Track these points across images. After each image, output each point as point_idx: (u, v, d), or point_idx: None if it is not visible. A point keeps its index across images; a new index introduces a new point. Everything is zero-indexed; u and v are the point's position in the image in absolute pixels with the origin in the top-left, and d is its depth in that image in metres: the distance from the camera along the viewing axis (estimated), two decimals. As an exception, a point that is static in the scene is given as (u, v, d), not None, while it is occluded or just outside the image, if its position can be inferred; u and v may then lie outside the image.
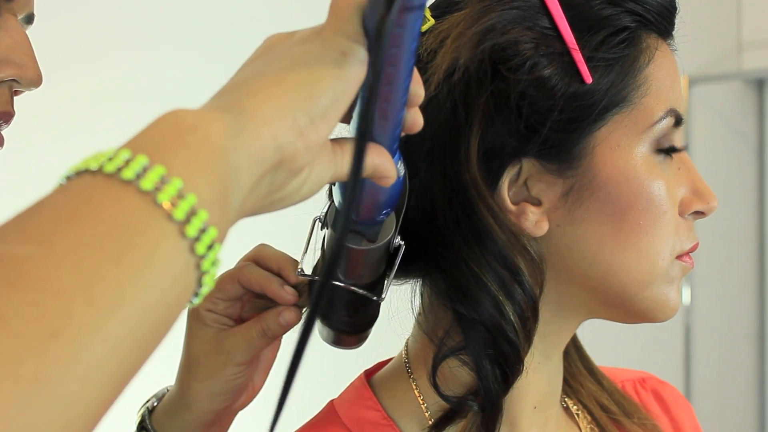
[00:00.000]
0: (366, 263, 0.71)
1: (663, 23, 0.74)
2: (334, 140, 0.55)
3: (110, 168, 0.43)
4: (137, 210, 0.42)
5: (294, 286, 0.75)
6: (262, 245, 0.78)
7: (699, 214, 0.76)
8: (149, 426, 0.81)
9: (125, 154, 0.43)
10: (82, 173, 0.43)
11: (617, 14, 0.72)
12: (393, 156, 0.58)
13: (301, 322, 0.44)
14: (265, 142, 0.48)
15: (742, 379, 3.42)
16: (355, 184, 0.49)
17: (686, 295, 3.15)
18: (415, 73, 0.56)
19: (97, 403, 0.40)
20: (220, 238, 0.45)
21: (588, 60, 0.70)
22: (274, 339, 0.77)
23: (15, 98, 0.75)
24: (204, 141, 0.46)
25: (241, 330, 0.76)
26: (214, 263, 0.45)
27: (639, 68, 0.72)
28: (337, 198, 0.66)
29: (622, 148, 0.72)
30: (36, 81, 0.74)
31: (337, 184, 0.64)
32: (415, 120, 0.58)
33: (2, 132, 0.75)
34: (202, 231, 0.44)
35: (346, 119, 0.55)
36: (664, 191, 0.73)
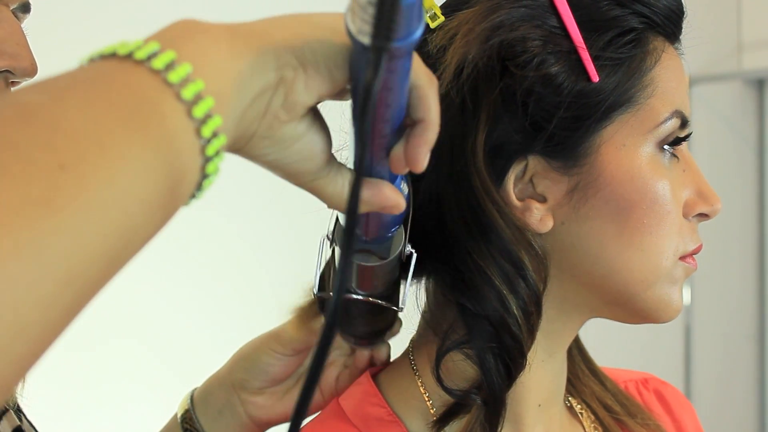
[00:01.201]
0: (379, 277, 0.71)
1: (670, 26, 0.75)
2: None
3: (123, 51, 0.45)
4: (149, 84, 0.44)
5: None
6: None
7: (703, 216, 0.76)
8: (191, 408, 0.85)
9: (138, 42, 0.45)
10: (96, 59, 0.45)
11: (625, 15, 0.72)
12: (396, 179, 0.58)
13: (316, 343, 0.45)
14: (267, 57, 0.49)
15: (742, 380, 3.42)
16: (349, 247, 0.46)
17: (686, 296, 3.16)
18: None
19: (98, 249, 0.40)
20: (225, 128, 0.46)
21: (595, 59, 0.71)
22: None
23: (13, 90, 0.75)
24: (213, 41, 0.47)
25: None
26: (218, 152, 0.46)
27: (645, 69, 0.73)
28: (341, 216, 0.66)
29: (627, 147, 0.72)
30: (30, 71, 0.73)
31: None
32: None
33: None
34: (209, 116, 0.45)
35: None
36: (668, 191, 0.73)
